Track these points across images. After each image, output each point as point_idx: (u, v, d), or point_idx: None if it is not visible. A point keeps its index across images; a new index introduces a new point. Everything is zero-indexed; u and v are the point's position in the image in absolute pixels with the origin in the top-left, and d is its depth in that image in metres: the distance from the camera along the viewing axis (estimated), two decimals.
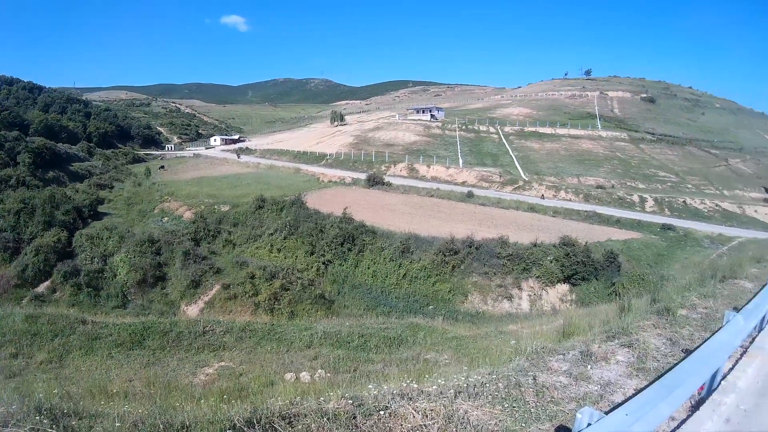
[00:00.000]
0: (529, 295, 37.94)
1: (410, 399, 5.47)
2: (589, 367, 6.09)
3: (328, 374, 15.31)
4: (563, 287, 38.26)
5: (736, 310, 7.00)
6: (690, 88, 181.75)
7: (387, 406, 5.25)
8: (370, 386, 6.27)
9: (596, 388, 5.49)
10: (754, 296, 7.72)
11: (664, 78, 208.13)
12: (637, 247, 44.53)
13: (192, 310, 35.04)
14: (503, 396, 5.18)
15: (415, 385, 6.12)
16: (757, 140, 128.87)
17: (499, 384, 5.54)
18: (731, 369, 6.26)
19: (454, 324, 28.58)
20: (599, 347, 6.83)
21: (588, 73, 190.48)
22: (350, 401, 5.37)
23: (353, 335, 21.18)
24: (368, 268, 39.14)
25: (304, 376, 15.32)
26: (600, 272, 38.09)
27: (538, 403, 4.99)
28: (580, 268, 37.75)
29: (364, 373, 13.39)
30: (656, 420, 4.25)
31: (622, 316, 9.46)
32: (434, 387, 5.99)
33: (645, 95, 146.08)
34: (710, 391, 5.50)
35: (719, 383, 5.69)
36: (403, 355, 18.12)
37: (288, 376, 15.17)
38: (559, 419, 5.03)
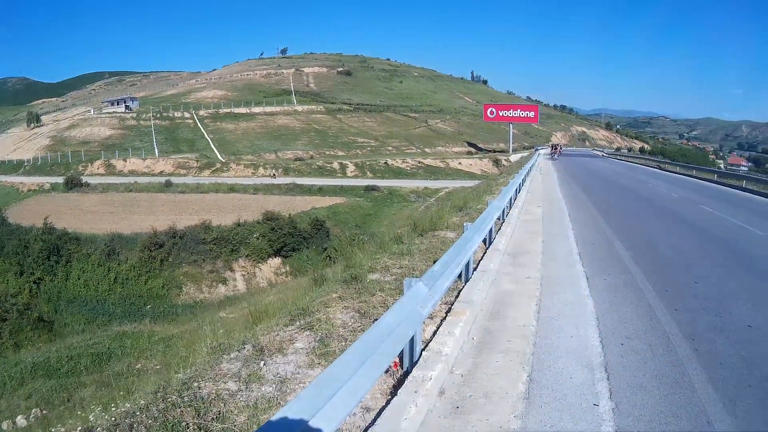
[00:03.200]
0: (243, 275, 43.07)
1: None
2: (262, 363, 5.70)
3: (44, 411, 15.96)
4: (275, 261, 44.31)
5: (434, 263, 6.97)
6: (388, 59, 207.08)
7: None
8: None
9: (271, 389, 5.10)
10: (450, 248, 7.56)
11: (363, 52, 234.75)
12: (343, 211, 52.37)
13: None
14: (159, 427, 4.48)
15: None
16: (457, 101, 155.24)
17: (157, 407, 4.90)
18: (435, 333, 6.17)
19: (173, 321, 31.76)
20: (277, 335, 6.46)
21: (284, 51, 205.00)
22: None
23: (62, 360, 21.98)
24: (78, 278, 39.76)
25: (20, 421, 15.62)
26: (310, 240, 44.36)
27: (200, 425, 4.43)
28: (289, 240, 43.68)
29: (78, 402, 14.78)
30: (333, 418, 3.23)
31: (314, 290, 9.74)
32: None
33: (342, 69, 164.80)
34: (413, 365, 5.19)
35: (420, 354, 5.43)
36: (114, 368, 19.57)
37: (4, 425, 15.27)
38: None
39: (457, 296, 7.65)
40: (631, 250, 12.31)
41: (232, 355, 6.14)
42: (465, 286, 8.03)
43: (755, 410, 4.94)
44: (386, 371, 5.12)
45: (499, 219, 13.83)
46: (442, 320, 6.71)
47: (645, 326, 7.28)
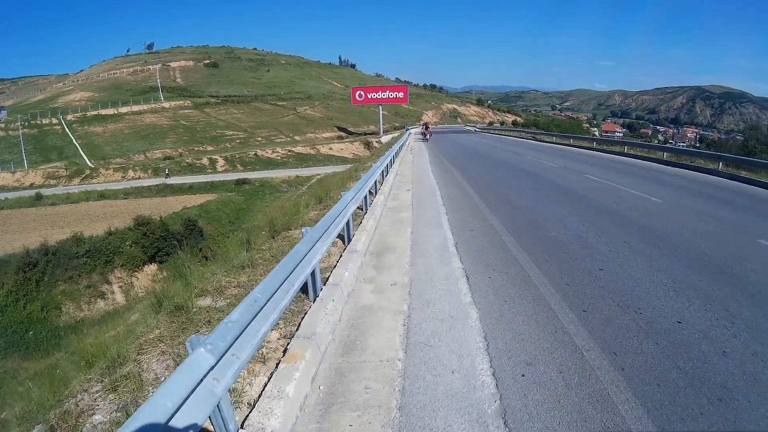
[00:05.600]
0: (121, 287, 39.19)
1: None
2: None
3: None
4: (152, 268, 40.74)
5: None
6: (255, 49, 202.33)
7: None
8: None
9: None
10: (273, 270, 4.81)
11: (230, 43, 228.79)
12: (215, 207, 49.52)
13: None
14: None
15: None
16: (326, 87, 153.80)
17: None
18: (262, 393, 4.17)
19: (56, 346, 28.22)
20: (78, 403, 4.56)
21: (150, 46, 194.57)
22: None
23: None
24: None
25: None
26: (183, 242, 38.11)
27: None
28: (162, 244, 40.40)
29: None
30: None
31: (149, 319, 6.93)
32: None
33: (208, 61, 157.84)
34: None
35: None
36: None
37: None
38: None
39: (298, 326, 5.40)
40: (516, 234, 10.16)
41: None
42: (311, 309, 5.81)
43: None
44: None
45: (361, 208, 11.52)
46: (277, 364, 4.66)
47: (549, 341, 5.28)
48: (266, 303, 4.33)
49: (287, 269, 5.05)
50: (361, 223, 10.42)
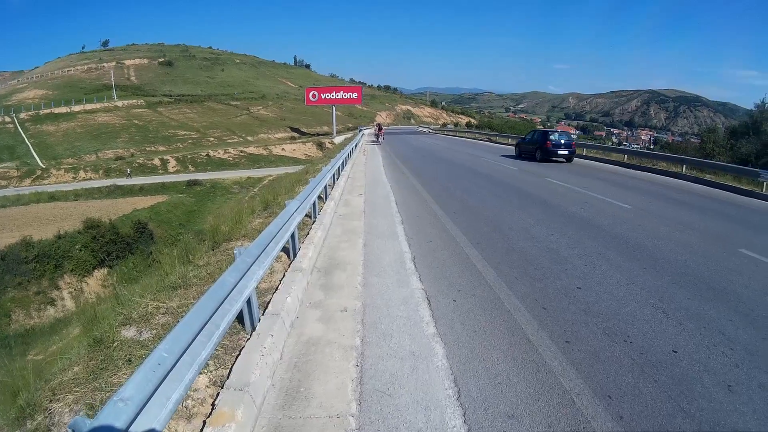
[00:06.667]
0: (71, 293, 37.56)
1: None
2: None
3: None
4: (102, 272, 39.09)
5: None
6: (210, 48, 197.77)
7: None
8: None
9: None
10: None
11: (185, 41, 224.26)
12: (166, 209, 47.71)
13: None
14: None
15: None
16: (279, 87, 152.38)
17: None
18: None
19: (9, 354, 27.66)
20: None
21: (105, 44, 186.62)
22: None
23: None
24: None
25: None
26: (134, 246, 39.90)
27: None
28: (112, 248, 39.02)
29: None
30: None
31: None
32: None
33: (163, 60, 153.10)
34: None
35: None
36: None
37: None
38: None
39: (230, 370, 4.24)
40: (480, 246, 9.01)
41: None
42: (246, 346, 4.64)
43: None
44: None
45: (309, 215, 10.27)
46: (203, 425, 3.59)
47: (532, 385, 4.31)
48: (177, 362, 3.20)
49: (207, 310, 3.86)
50: (308, 233, 9.11)
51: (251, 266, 4.94)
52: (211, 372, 4.30)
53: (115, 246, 39.38)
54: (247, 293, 4.65)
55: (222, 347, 4.73)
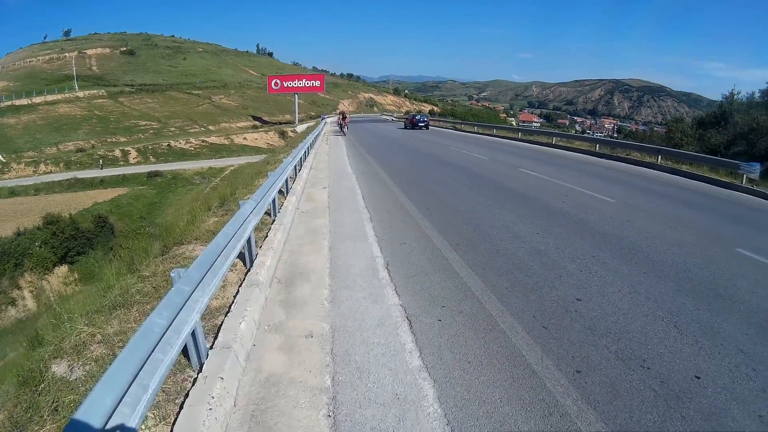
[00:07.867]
0: (32, 292, 35.80)
1: None
2: None
3: None
4: (62, 269, 37.66)
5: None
6: (172, 36, 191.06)
7: None
8: None
9: None
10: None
11: (147, 30, 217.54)
12: (126, 202, 46.29)
13: None
14: None
15: None
16: (242, 75, 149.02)
17: None
18: None
19: None
20: None
21: (68, 33, 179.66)
22: None
23: None
24: None
25: None
26: (95, 240, 38.59)
27: None
28: (72, 244, 37.56)
29: None
30: None
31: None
32: None
33: (125, 49, 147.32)
34: None
35: None
36: None
37: None
38: None
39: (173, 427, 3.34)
40: (460, 249, 7.95)
41: None
42: (190, 395, 3.65)
43: None
44: None
45: (269, 213, 9.23)
46: None
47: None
48: None
49: (128, 369, 2.85)
50: (267, 236, 7.95)
51: (192, 294, 3.92)
52: (149, 429, 3.40)
53: (75, 242, 37.88)
54: (188, 329, 3.67)
55: (164, 391, 3.79)
